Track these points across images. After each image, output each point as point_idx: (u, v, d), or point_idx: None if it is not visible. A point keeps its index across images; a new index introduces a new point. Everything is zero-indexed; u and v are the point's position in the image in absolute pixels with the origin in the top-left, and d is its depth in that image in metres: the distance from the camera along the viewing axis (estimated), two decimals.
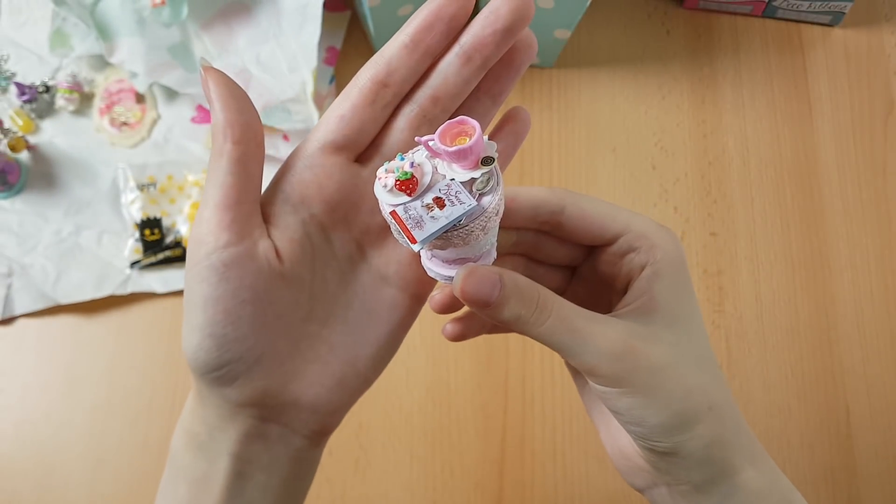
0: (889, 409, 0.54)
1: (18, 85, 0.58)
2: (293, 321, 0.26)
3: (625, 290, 0.29)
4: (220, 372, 0.25)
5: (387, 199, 0.23)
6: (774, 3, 0.62)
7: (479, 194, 0.23)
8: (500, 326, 0.31)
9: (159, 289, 0.55)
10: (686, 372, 0.26)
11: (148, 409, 0.53)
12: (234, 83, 0.26)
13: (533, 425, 0.53)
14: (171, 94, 0.59)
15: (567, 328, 0.25)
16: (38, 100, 0.58)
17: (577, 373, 0.35)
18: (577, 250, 0.32)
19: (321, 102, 0.59)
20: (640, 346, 0.26)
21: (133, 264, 0.55)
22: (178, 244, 0.56)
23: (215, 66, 0.58)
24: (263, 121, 0.55)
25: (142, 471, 0.52)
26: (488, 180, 0.23)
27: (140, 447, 0.52)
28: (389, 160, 0.25)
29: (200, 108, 0.59)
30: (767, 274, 0.57)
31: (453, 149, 0.23)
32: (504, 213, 0.25)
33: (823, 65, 0.63)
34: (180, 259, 0.56)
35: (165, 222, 0.56)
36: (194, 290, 0.25)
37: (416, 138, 0.24)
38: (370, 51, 0.61)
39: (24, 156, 0.57)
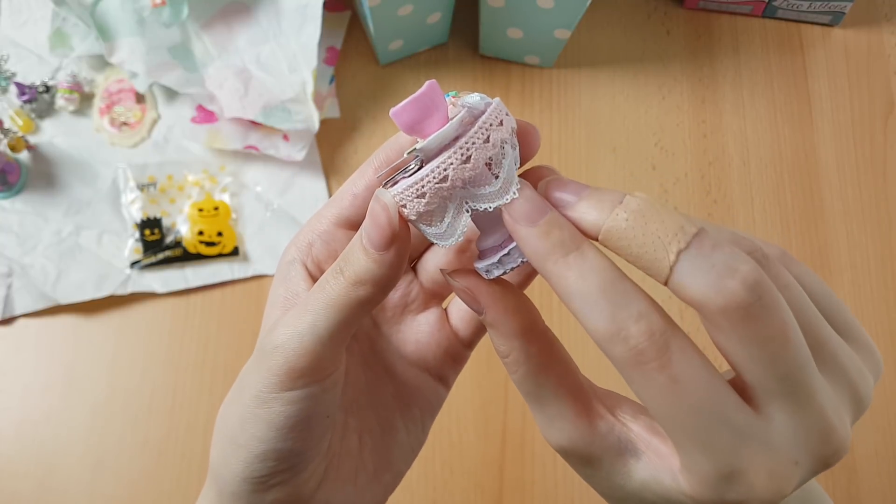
0: (889, 408, 0.54)
1: (18, 85, 0.58)
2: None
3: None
4: (265, 482, 0.24)
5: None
6: (774, 3, 0.62)
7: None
8: None
9: (159, 289, 0.55)
10: None
11: (148, 409, 0.53)
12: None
13: (533, 425, 0.53)
14: (172, 94, 0.59)
15: None
16: (39, 100, 0.58)
17: None
18: None
19: (321, 102, 0.59)
20: None
21: (133, 264, 0.55)
22: (178, 244, 0.56)
23: (216, 67, 0.58)
24: (263, 121, 0.55)
25: (141, 471, 0.52)
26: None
27: (140, 447, 0.52)
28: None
29: (200, 108, 0.59)
30: None
31: (398, 107, 0.20)
32: None
33: (823, 65, 0.63)
34: (180, 259, 0.56)
35: (165, 222, 0.56)
36: (259, 410, 0.23)
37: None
38: (370, 51, 0.61)
39: (24, 156, 0.57)
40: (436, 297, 0.29)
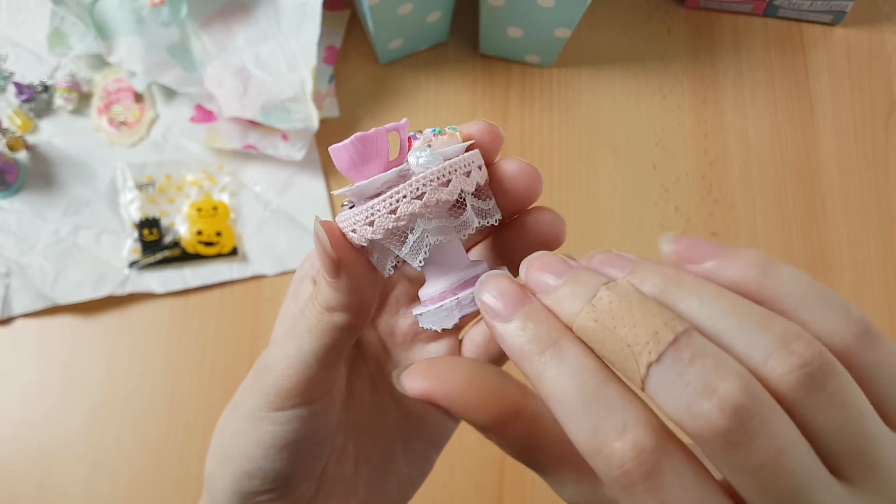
0: None
1: (17, 84, 0.58)
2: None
3: None
4: (252, 499, 0.24)
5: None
6: (776, 3, 0.62)
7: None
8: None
9: (158, 289, 0.55)
10: None
11: (146, 409, 0.53)
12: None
13: None
14: (170, 93, 0.59)
15: None
16: (37, 99, 0.58)
17: None
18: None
19: (321, 102, 0.59)
20: None
21: (131, 264, 0.55)
22: (176, 244, 0.55)
23: (215, 66, 0.57)
24: (262, 120, 0.55)
25: (140, 471, 0.52)
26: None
27: (138, 447, 0.52)
28: None
29: (199, 107, 0.59)
30: None
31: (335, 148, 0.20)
32: None
33: (825, 64, 0.63)
34: (179, 259, 0.55)
35: (164, 222, 0.56)
36: (262, 428, 0.23)
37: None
38: (370, 50, 0.61)
39: (22, 155, 0.57)
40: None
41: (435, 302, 0.22)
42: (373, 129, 0.20)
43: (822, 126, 0.61)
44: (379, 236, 0.20)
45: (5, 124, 0.57)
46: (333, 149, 0.20)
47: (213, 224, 0.56)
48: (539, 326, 0.17)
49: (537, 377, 0.17)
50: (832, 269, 0.57)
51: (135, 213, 0.56)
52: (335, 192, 0.21)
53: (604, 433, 0.16)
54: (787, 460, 0.15)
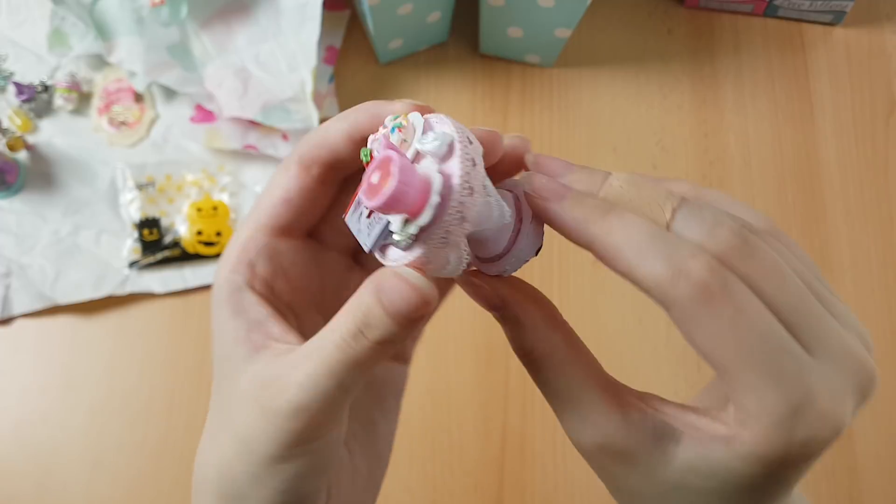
0: (891, 409, 0.53)
1: (17, 84, 0.58)
2: None
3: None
4: None
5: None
6: (776, 3, 0.62)
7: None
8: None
9: (158, 289, 0.55)
10: None
11: (146, 409, 0.53)
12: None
13: (533, 425, 0.53)
14: (170, 93, 0.59)
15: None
16: (37, 99, 0.58)
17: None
18: None
19: (320, 101, 0.59)
20: None
21: (132, 264, 0.55)
22: (176, 244, 0.55)
23: (215, 66, 0.57)
24: (262, 120, 0.55)
25: (140, 471, 0.52)
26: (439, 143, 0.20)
27: (138, 448, 0.52)
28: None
29: (199, 107, 0.59)
30: None
31: (375, 202, 0.19)
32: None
33: (825, 64, 0.63)
34: (179, 259, 0.55)
35: (164, 222, 0.56)
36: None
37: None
38: (370, 50, 0.61)
39: (22, 155, 0.57)
40: None
41: (503, 256, 0.22)
42: (387, 155, 0.19)
43: (822, 126, 0.61)
44: (469, 228, 0.20)
45: (5, 124, 0.57)
46: (393, 195, 0.19)
47: (213, 224, 0.56)
48: (593, 197, 0.21)
49: (606, 234, 0.20)
50: (832, 267, 0.57)
51: (135, 213, 0.56)
52: (396, 237, 0.20)
53: (680, 258, 0.19)
54: (783, 277, 0.19)
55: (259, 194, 0.24)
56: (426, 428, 0.53)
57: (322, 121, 0.58)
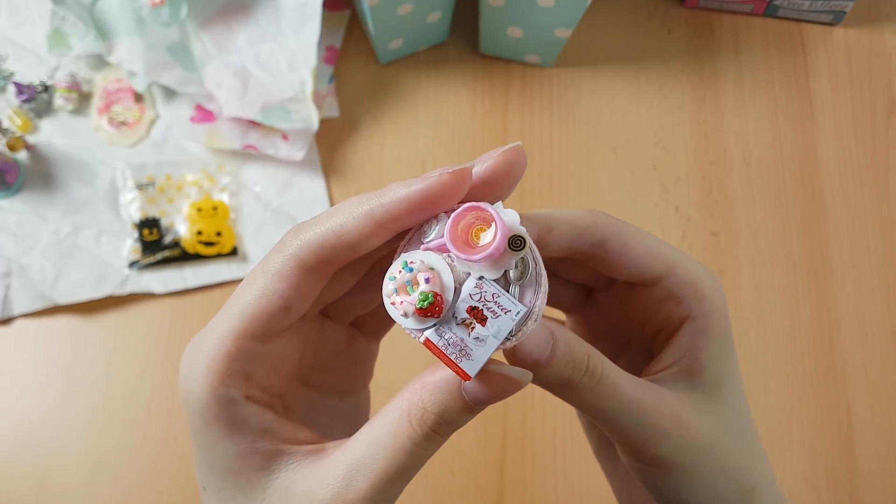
0: (891, 409, 0.53)
1: (17, 84, 0.58)
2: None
3: (653, 337, 0.27)
4: None
5: (411, 325, 0.19)
6: (776, 3, 0.62)
7: (520, 287, 0.20)
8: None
9: (158, 289, 0.55)
10: (732, 448, 0.24)
11: (146, 409, 0.53)
12: None
13: (533, 426, 0.53)
14: (170, 93, 0.59)
15: (616, 396, 0.23)
16: (37, 99, 0.58)
17: (594, 430, 0.32)
18: (601, 275, 0.28)
19: (320, 101, 0.59)
20: (689, 422, 0.24)
21: (131, 264, 0.55)
22: (176, 244, 0.55)
23: (215, 66, 0.57)
24: (262, 120, 0.55)
25: (140, 471, 0.52)
26: (525, 268, 0.19)
27: (138, 448, 0.52)
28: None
29: (199, 107, 0.59)
30: (769, 274, 0.57)
31: (479, 256, 0.19)
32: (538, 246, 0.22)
33: (825, 64, 0.63)
34: (179, 259, 0.55)
35: (164, 222, 0.56)
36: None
37: (422, 246, 0.20)
38: (370, 50, 0.61)
39: (22, 155, 0.57)
40: None
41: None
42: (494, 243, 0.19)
43: (822, 126, 0.61)
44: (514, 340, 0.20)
45: (5, 124, 0.57)
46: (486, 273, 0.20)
47: (213, 224, 0.56)
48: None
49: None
50: (832, 268, 0.57)
51: (135, 213, 0.56)
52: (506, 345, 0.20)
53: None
54: None
55: (241, 287, 0.22)
56: None
57: (322, 121, 0.58)
